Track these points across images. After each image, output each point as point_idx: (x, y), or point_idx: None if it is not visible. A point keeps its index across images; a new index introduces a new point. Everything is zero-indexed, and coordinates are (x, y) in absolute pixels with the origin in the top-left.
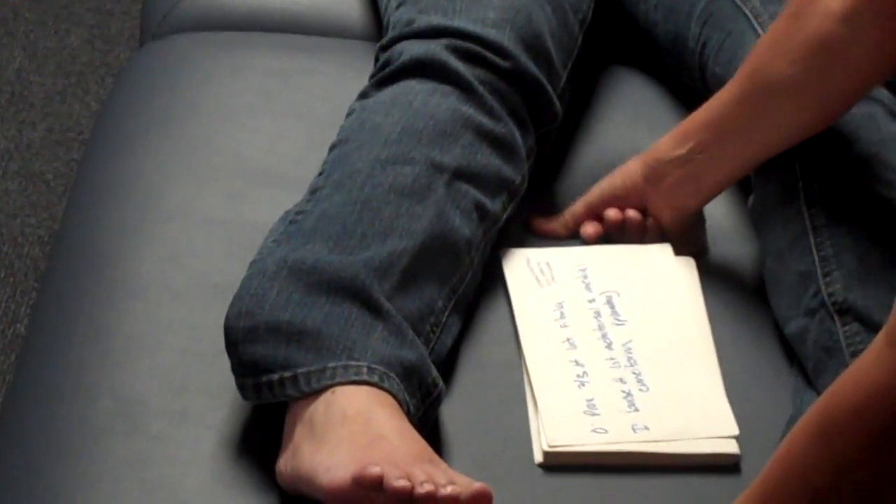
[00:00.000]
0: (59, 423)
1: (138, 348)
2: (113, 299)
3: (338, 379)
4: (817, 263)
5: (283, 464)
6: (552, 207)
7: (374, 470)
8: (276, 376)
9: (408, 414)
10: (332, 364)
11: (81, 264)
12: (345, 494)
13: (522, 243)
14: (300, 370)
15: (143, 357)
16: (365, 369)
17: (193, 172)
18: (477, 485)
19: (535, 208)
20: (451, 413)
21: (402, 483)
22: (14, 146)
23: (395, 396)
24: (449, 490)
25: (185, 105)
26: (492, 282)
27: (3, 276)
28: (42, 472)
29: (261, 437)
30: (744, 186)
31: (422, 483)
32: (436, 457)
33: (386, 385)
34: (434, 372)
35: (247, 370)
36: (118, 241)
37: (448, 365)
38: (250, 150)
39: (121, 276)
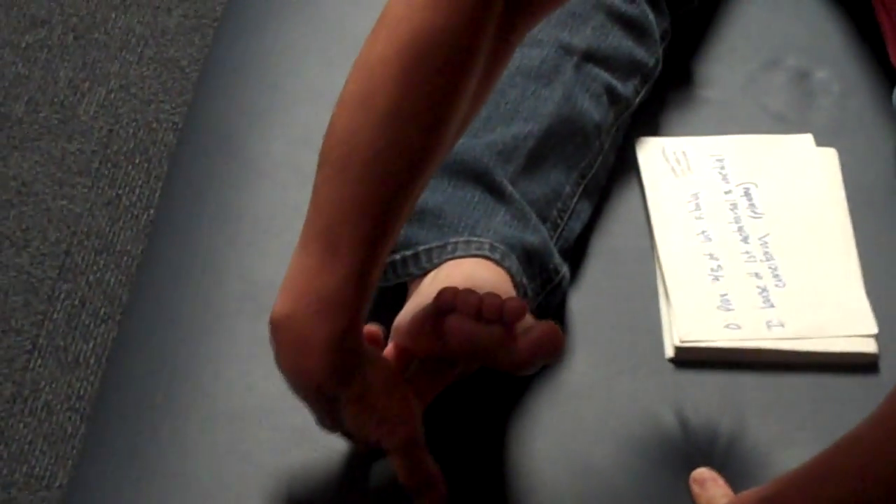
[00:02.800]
0: (188, 304)
1: (266, 230)
2: (242, 181)
3: (458, 253)
4: None
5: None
6: (687, 92)
7: (446, 291)
8: (398, 256)
9: (525, 297)
10: (453, 239)
11: (211, 145)
12: (409, 329)
13: (658, 131)
14: (421, 247)
15: (272, 239)
16: (487, 245)
17: (324, 54)
18: (546, 323)
19: (671, 92)
20: (580, 302)
21: (471, 297)
22: (149, 32)
23: (512, 277)
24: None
25: None
26: (625, 170)
27: (137, 161)
28: (170, 351)
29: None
30: (889, 76)
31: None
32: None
33: (506, 264)
34: (557, 258)
35: None
36: (248, 123)
37: (578, 253)
38: None
39: (250, 157)
